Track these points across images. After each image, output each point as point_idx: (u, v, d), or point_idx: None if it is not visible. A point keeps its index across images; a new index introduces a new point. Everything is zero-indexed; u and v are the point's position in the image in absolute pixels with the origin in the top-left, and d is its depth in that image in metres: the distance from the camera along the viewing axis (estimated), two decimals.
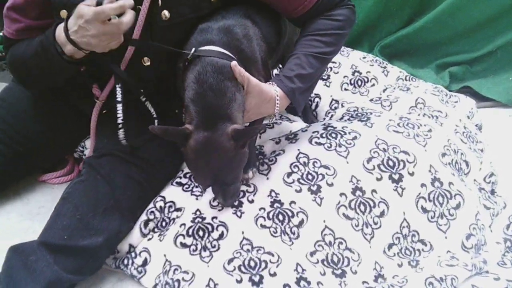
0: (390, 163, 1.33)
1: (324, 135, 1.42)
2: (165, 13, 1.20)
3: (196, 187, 1.37)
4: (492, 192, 1.50)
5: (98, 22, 1.02)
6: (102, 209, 1.20)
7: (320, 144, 1.38)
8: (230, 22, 1.22)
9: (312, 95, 1.83)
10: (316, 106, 1.84)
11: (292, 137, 1.46)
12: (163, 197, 1.33)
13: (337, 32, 1.31)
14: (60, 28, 1.12)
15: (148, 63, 1.29)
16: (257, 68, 1.26)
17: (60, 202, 1.23)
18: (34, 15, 1.26)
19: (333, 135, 1.41)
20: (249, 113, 1.20)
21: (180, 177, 1.40)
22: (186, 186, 1.37)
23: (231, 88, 1.11)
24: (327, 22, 1.31)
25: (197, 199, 1.32)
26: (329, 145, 1.37)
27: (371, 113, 1.55)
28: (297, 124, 1.69)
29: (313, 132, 1.44)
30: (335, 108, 1.80)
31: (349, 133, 1.42)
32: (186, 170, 1.42)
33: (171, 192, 1.35)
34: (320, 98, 1.84)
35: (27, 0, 1.23)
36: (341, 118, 1.59)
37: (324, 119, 1.77)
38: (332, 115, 1.74)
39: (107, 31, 1.05)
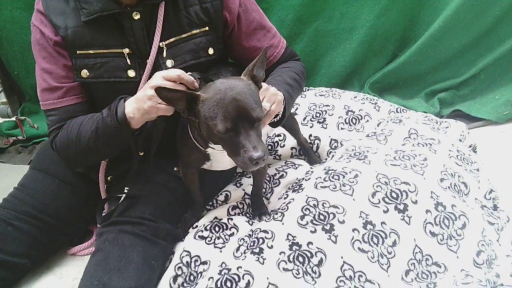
0: (394, 194, 1.42)
1: (327, 179, 1.52)
2: (170, 62, 1.41)
3: (218, 239, 1.45)
4: (495, 207, 1.58)
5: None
6: (115, 270, 1.28)
7: (325, 187, 1.48)
8: None
9: (312, 137, 1.95)
10: (317, 147, 1.94)
11: (297, 188, 1.56)
12: (188, 251, 1.41)
13: (302, 70, 1.59)
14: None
15: None
16: None
17: (82, 276, 1.32)
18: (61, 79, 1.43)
19: (335, 177, 1.51)
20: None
21: (202, 231, 1.48)
22: (208, 239, 1.46)
23: None
24: (292, 63, 1.59)
25: (221, 251, 1.41)
26: (334, 186, 1.47)
27: (367, 151, 1.65)
28: (303, 168, 1.78)
29: (316, 178, 1.54)
30: (335, 147, 1.91)
31: (350, 172, 1.52)
32: (206, 222, 1.51)
33: (195, 246, 1.43)
34: (319, 140, 1.94)
35: (62, 65, 1.42)
36: (340, 158, 1.69)
37: (326, 159, 1.87)
38: (333, 155, 1.84)
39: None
